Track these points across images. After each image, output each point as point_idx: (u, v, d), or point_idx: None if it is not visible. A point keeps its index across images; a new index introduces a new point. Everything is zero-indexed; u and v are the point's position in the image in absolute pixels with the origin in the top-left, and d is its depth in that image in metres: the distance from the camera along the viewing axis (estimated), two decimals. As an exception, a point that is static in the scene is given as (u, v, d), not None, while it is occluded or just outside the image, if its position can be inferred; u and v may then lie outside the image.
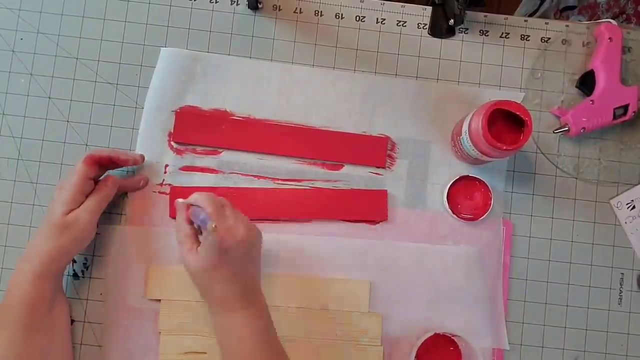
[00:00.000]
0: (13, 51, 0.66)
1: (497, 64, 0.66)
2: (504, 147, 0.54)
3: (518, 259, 0.64)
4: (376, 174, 0.65)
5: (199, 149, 0.64)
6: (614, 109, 0.63)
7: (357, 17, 0.67)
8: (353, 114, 0.65)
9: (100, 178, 0.60)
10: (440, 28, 0.66)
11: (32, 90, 0.65)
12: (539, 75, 0.66)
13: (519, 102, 0.55)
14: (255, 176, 0.64)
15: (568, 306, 0.64)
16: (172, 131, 0.64)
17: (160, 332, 0.61)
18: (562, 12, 1.05)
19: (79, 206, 0.56)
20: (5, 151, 0.65)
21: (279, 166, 0.64)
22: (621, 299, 0.64)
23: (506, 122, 0.57)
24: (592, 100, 0.63)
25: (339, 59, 0.66)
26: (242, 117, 0.65)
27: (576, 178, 0.65)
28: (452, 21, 0.64)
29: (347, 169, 0.65)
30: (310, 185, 0.64)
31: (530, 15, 1.10)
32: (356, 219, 0.64)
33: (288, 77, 0.65)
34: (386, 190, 0.64)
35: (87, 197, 0.57)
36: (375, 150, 0.64)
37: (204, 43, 0.66)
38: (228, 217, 0.52)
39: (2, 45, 0.66)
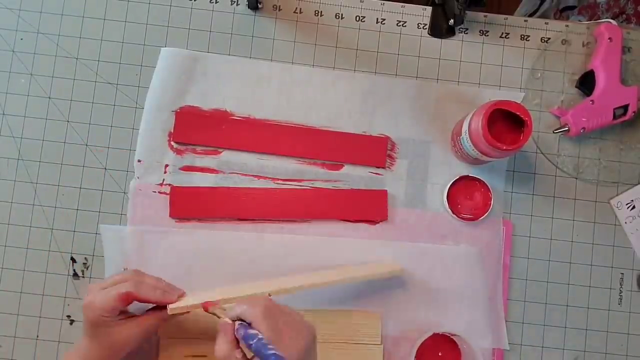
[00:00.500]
0: (13, 51, 0.66)
1: (497, 64, 0.66)
2: (504, 147, 0.54)
3: (518, 259, 0.64)
4: (376, 174, 0.65)
5: (199, 149, 0.64)
6: (614, 109, 0.63)
7: (357, 17, 0.67)
8: (353, 114, 0.65)
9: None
10: (440, 28, 0.66)
11: (32, 90, 0.65)
12: (539, 75, 0.66)
13: (519, 102, 0.55)
14: (255, 176, 0.64)
15: (568, 306, 0.64)
16: (172, 131, 0.64)
17: (159, 337, 0.61)
18: (562, 12, 1.05)
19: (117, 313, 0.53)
20: (5, 151, 0.65)
21: (279, 166, 0.64)
22: (621, 299, 0.64)
23: (506, 122, 0.57)
24: (592, 100, 0.63)
25: (339, 59, 0.66)
26: (242, 117, 0.65)
27: (576, 178, 0.65)
28: (452, 21, 0.64)
29: (347, 169, 0.65)
30: (310, 185, 0.64)
31: (530, 15, 1.10)
32: (356, 219, 0.64)
33: (288, 77, 0.65)
34: (386, 190, 0.64)
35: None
36: (375, 150, 0.64)
37: (204, 43, 0.66)
38: (282, 328, 0.46)
39: (2, 45, 0.66)
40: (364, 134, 0.65)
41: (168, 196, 0.63)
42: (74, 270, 0.63)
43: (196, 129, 0.64)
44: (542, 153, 0.65)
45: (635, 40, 0.66)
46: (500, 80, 0.66)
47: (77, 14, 0.66)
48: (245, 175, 0.64)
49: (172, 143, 0.64)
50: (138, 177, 0.64)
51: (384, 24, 0.67)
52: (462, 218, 0.63)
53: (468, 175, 0.63)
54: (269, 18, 0.66)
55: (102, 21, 0.66)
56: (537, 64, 0.66)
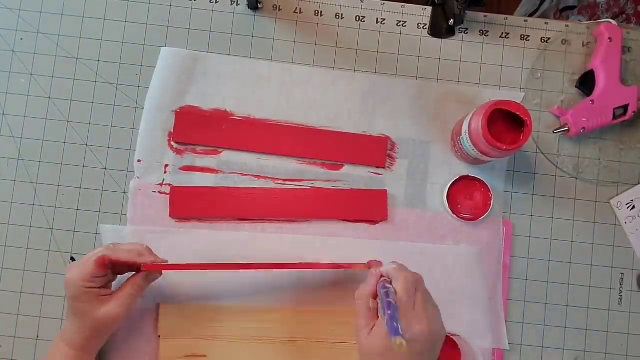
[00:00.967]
0: (13, 51, 0.66)
1: (497, 64, 0.66)
2: (504, 147, 0.54)
3: (518, 259, 0.64)
4: (376, 174, 0.65)
5: (199, 149, 0.64)
6: (614, 109, 0.63)
7: (357, 17, 0.67)
8: (353, 114, 0.65)
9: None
10: (440, 28, 0.66)
11: (32, 90, 0.65)
12: (539, 75, 0.66)
13: (519, 102, 0.55)
14: (255, 176, 0.64)
15: (568, 306, 0.64)
16: (172, 131, 0.64)
17: (160, 337, 0.61)
18: (562, 12, 1.05)
19: (98, 286, 0.54)
20: (5, 151, 0.65)
21: (279, 166, 0.64)
22: (621, 299, 0.64)
23: (506, 122, 0.57)
24: (592, 100, 0.63)
25: (339, 59, 0.66)
26: (242, 117, 0.65)
27: (576, 178, 0.65)
28: (452, 21, 0.64)
29: (347, 169, 0.65)
30: (310, 185, 0.64)
31: (530, 15, 1.10)
32: (356, 219, 0.64)
33: (288, 77, 0.65)
34: (386, 190, 0.64)
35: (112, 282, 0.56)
36: (375, 150, 0.64)
37: (204, 43, 0.66)
38: (417, 304, 0.48)
39: (2, 45, 0.66)
40: (364, 134, 0.65)
41: (168, 196, 0.63)
42: (74, 270, 0.63)
43: (196, 129, 0.64)
44: (542, 153, 0.65)
45: (635, 40, 0.66)
46: (500, 80, 0.66)
47: (77, 14, 0.66)
48: (245, 175, 0.64)
49: (172, 143, 0.64)
50: (138, 177, 0.64)
51: (384, 24, 0.67)
52: (462, 218, 0.63)
53: (468, 175, 0.63)
54: (269, 18, 0.66)
55: (102, 21, 0.66)
56: (537, 64, 0.66)
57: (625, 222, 0.65)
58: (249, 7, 0.66)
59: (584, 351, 0.63)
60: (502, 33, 0.67)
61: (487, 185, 0.63)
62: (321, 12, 0.67)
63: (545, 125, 0.65)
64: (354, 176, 0.64)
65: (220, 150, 0.64)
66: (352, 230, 0.64)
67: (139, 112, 0.65)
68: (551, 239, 0.64)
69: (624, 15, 0.91)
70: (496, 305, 0.63)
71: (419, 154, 0.65)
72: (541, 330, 0.63)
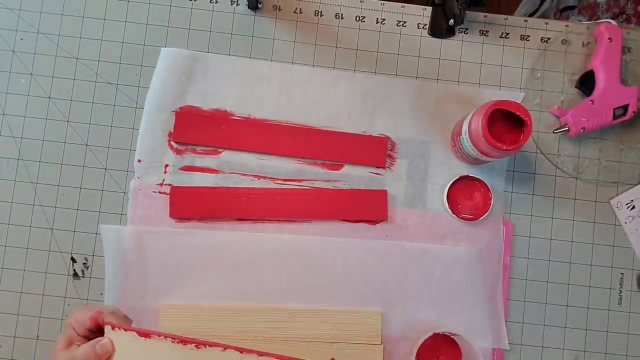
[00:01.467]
0: (13, 51, 0.66)
1: (497, 64, 0.66)
2: (504, 147, 0.54)
3: (518, 259, 0.64)
4: (376, 174, 0.65)
5: (199, 149, 0.64)
6: (614, 109, 0.63)
7: (357, 17, 0.67)
8: (353, 114, 0.65)
9: None
10: (440, 28, 0.66)
11: (32, 90, 0.65)
12: (539, 75, 0.66)
13: (519, 102, 0.55)
14: (255, 176, 0.64)
15: (568, 306, 0.64)
16: (172, 131, 0.64)
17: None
18: (562, 12, 1.05)
19: None
20: (5, 151, 0.65)
21: (279, 166, 0.64)
22: (621, 299, 0.64)
23: (506, 122, 0.56)
24: (592, 101, 0.63)
25: (339, 59, 0.66)
26: (242, 117, 0.65)
27: (576, 178, 0.65)
28: (452, 21, 0.64)
29: (347, 169, 0.65)
30: (310, 185, 0.64)
31: (530, 15, 1.10)
32: (356, 219, 0.64)
33: (288, 77, 0.65)
34: (386, 190, 0.64)
35: None
36: (375, 150, 0.64)
37: (204, 43, 0.66)
38: None
39: (2, 45, 0.66)
40: (364, 134, 0.65)
41: (168, 196, 0.63)
42: (74, 270, 0.63)
43: (196, 129, 0.64)
44: (542, 153, 0.65)
45: (635, 40, 0.66)
46: (500, 80, 0.66)
47: (77, 14, 0.66)
48: (245, 175, 0.64)
49: (172, 143, 0.64)
50: (138, 177, 0.64)
51: (384, 24, 0.67)
52: (462, 218, 0.63)
53: (468, 175, 0.63)
54: (269, 18, 0.66)
55: (102, 21, 0.66)
56: (537, 64, 0.66)
57: (625, 222, 0.65)
58: (249, 7, 0.66)
59: (584, 351, 0.63)
60: (502, 33, 0.67)
61: (487, 185, 0.63)
62: (321, 12, 0.67)
63: (545, 125, 0.65)
64: (354, 176, 0.64)
65: (220, 150, 0.64)
66: (352, 230, 0.64)
67: (139, 112, 0.65)
68: (551, 239, 0.64)
69: (624, 15, 0.91)
70: (496, 305, 0.63)
71: (419, 154, 0.65)
72: (541, 330, 0.63)
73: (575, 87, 0.65)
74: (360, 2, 0.67)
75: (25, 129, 0.65)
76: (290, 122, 0.65)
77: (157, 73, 0.65)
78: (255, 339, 0.61)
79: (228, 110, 0.65)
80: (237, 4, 0.66)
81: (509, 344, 0.63)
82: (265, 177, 0.64)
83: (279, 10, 0.66)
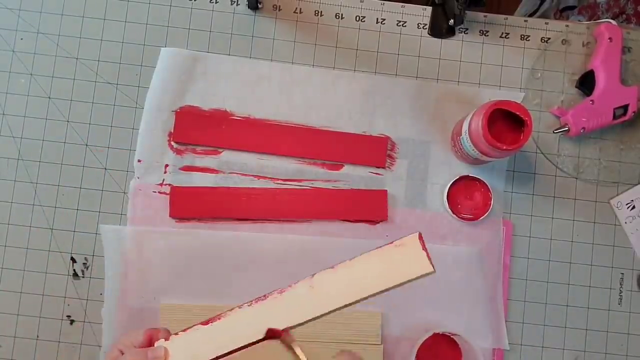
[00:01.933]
0: (13, 51, 0.66)
1: (497, 64, 0.66)
2: (504, 147, 0.54)
3: (518, 259, 0.64)
4: (376, 174, 0.65)
5: (199, 149, 0.64)
6: (614, 109, 0.63)
7: (357, 17, 0.67)
8: (353, 114, 0.65)
9: None
10: (440, 28, 0.66)
11: (32, 90, 0.65)
12: (539, 75, 0.66)
13: (519, 102, 0.55)
14: (255, 176, 0.64)
15: (568, 306, 0.64)
16: (172, 131, 0.64)
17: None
18: (562, 12, 1.05)
19: None
20: (5, 151, 0.65)
21: (279, 166, 0.64)
22: (621, 299, 0.64)
23: (506, 122, 0.56)
24: (592, 100, 0.63)
25: (339, 59, 0.66)
26: (242, 117, 0.65)
27: (576, 178, 0.65)
28: (452, 21, 0.64)
29: (347, 169, 0.65)
30: (310, 185, 0.64)
31: (530, 15, 1.10)
32: (356, 219, 0.64)
33: (288, 77, 0.65)
34: (386, 190, 0.64)
35: None
36: (375, 150, 0.64)
37: (204, 43, 0.66)
38: None
39: (2, 45, 0.66)
40: (364, 134, 0.65)
41: (168, 196, 0.63)
42: (74, 270, 0.63)
43: (196, 129, 0.64)
44: (542, 153, 0.65)
45: (635, 40, 0.66)
46: (500, 80, 0.66)
47: (77, 14, 0.66)
48: (245, 175, 0.64)
49: (172, 143, 0.64)
50: (138, 177, 0.64)
51: (384, 24, 0.67)
52: (462, 218, 0.63)
53: (468, 175, 0.63)
54: (269, 18, 0.66)
55: (102, 21, 0.66)
56: (537, 64, 0.66)
57: (625, 222, 0.65)
58: (249, 7, 0.66)
59: (584, 351, 0.63)
60: (502, 33, 0.67)
61: (487, 185, 0.63)
62: (321, 12, 0.67)
63: (545, 125, 0.65)
64: (354, 176, 0.64)
65: (220, 150, 0.64)
66: (352, 230, 0.64)
67: (139, 112, 0.65)
68: (551, 239, 0.64)
69: (624, 15, 0.91)
70: (496, 305, 0.63)
71: (419, 154, 0.65)
72: (541, 330, 0.63)
73: (575, 87, 0.65)
74: (360, 2, 0.67)
75: (25, 129, 0.65)
76: (290, 122, 0.65)
77: (157, 73, 0.65)
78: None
79: (228, 110, 0.65)
80: (237, 4, 0.66)
81: (509, 344, 0.63)
82: (265, 177, 0.64)
83: (279, 10, 0.66)
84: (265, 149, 0.64)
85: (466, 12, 0.64)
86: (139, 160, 0.64)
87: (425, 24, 0.67)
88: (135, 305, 0.62)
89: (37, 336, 0.63)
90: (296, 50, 0.66)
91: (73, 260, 0.64)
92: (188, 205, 0.63)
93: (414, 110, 0.65)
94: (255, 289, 0.62)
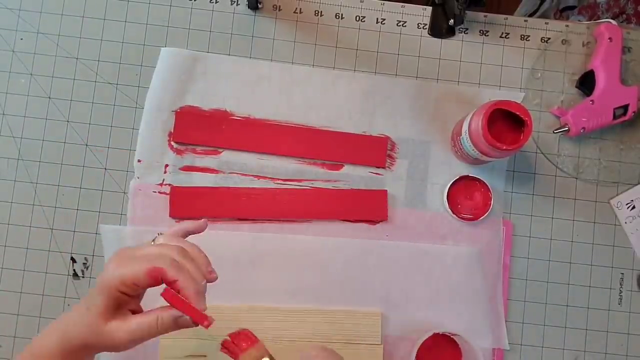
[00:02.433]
0: (13, 51, 0.66)
1: (497, 64, 0.66)
2: (504, 147, 0.54)
3: (518, 259, 0.64)
4: (376, 174, 0.65)
5: (199, 149, 0.64)
6: (614, 109, 0.63)
7: (357, 17, 0.67)
8: (353, 114, 0.65)
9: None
10: (440, 28, 0.66)
11: (32, 90, 0.65)
12: (539, 75, 0.66)
13: (519, 102, 0.55)
14: (255, 176, 0.64)
15: (568, 306, 0.64)
16: (172, 131, 0.64)
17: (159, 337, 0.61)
18: (562, 12, 1.05)
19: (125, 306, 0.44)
20: (5, 151, 0.65)
21: (279, 166, 0.64)
22: (621, 299, 0.64)
23: (506, 122, 0.57)
24: (592, 100, 0.63)
25: (339, 59, 0.66)
26: (242, 117, 0.65)
27: (576, 178, 0.65)
28: (452, 21, 0.64)
29: (347, 169, 0.65)
30: (310, 186, 0.64)
31: (530, 15, 1.10)
32: (356, 219, 0.64)
33: (288, 77, 0.65)
34: (386, 190, 0.64)
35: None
36: (375, 150, 0.64)
37: (204, 43, 0.66)
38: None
39: (2, 45, 0.66)
40: (364, 134, 0.65)
41: (168, 196, 0.63)
42: (74, 270, 0.63)
43: (196, 129, 0.64)
44: (542, 153, 0.65)
45: (635, 40, 0.66)
46: (500, 80, 0.66)
47: (77, 14, 0.66)
48: (245, 175, 0.64)
49: (172, 143, 0.64)
50: (138, 177, 0.64)
51: (384, 24, 0.67)
52: (462, 218, 0.63)
53: (468, 175, 0.63)
54: (269, 18, 0.66)
55: (102, 21, 0.66)
56: (537, 64, 0.66)
57: (625, 222, 0.65)
58: (249, 7, 0.66)
59: (584, 351, 0.63)
60: (502, 33, 0.67)
61: (487, 185, 0.63)
62: (321, 12, 0.67)
63: (545, 125, 0.65)
64: (354, 176, 0.64)
65: (220, 150, 0.64)
66: (352, 230, 0.64)
67: (139, 112, 0.65)
68: (551, 239, 0.64)
69: (624, 15, 0.91)
70: (496, 305, 0.63)
71: (419, 154, 0.65)
72: (541, 330, 0.63)
73: (575, 87, 0.65)
74: (360, 2, 0.67)
75: (25, 129, 0.65)
76: (290, 122, 0.65)
77: (157, 73, 0.65)
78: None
79: (228, 110, 0.65)
80: (237, 4, 0.66)
81: (509, 344, 0.63)
82: (265, 177, 0.64)
83: (279, 10, 0.66)
84: (265, 149, 0.64)
85: (466, 12, 0.64)
86: (139, 160, 0.64)
87: (425, 24, 0.67)
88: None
89: (37, 336, 0.63)
90: (296, 50, 0.66)
91: (73, 260, 0.64)
92: (188, 205, 0.63)
93: (414, 110, 0.65)
94: (254, 289, 0.63)
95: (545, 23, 0.67)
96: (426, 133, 0.65)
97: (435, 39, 0.66)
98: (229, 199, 0.63)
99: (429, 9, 0.67)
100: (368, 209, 0.64)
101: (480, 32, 0.67)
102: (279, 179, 0.64)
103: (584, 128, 0.63)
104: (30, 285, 0.63)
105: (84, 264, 0.63)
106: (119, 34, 0.66)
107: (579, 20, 0.97)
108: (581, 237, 0.65)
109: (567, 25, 0.67)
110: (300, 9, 0.67)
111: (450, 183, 0.63)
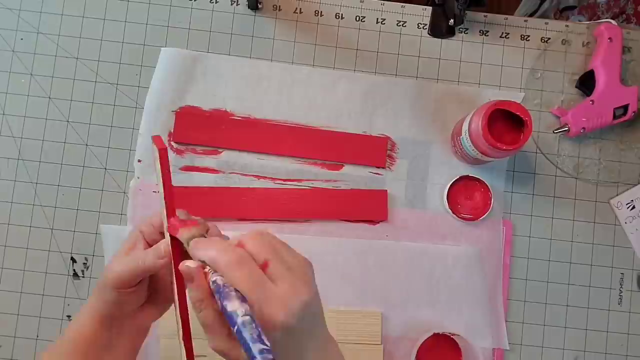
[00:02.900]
0: (13, 51, 0.66)
1: (497, 64, 0.66)
2: (504, 147, 0.54)
3: (518, 259, 0.64)
4: (376, 174, 0.65)
5: (199, 149, 0.64)
6: (614, 109, 0.63)
7: (357, 17, 0.67)
8: (353, 114, 0.65)
9: None
10: (440, 28, 0.66)
11: (32, 90, 0.65)
12: (539, 75, 0.66)
13: (519, 102, 0.55)
14: (255, 176, 0.64)
15: (568, 306, 0.64)
16: (172, 131, 0.64)
17: (160, 336, 0.61)
18: (562, 12, 1.05)
19: None
20: (5, 151, 0.65)
21: (279, 166, 0.64)
22: (621, 299, 0.64)
23: (506, 122, 0.57)
24: (592, 100, 0.63)
25: (339, 59, 0.66)
26: (242, 117, 0.65)
27: (576, 178, 0.65)
28: (452, 21, 0.64)
29: (347, 169, 0.65)
30: (310, 185, 0.64)
31: (530, 15, 1.10)
32: (356, 219, 0.64)
33: (288, 77, 0.65)
34: (386, 190, 0.64)
35: None
36: (375, 150, 0.64)
37: (204, 43, 0.66)
38: (275, 281, 0.36)
39: (2, 45, 0.66)
40: (364, 134, 0.65)
41: (168, 196, 0.63)
42: (74, 270, 0.63)
43: (196, 129, 0.64)
44: (542, 153, 0.65)
45: (635, 40, 0.66)
46: (500, 80, 0.66)
47: (77, 14, 0.66)
48: (246, 175, 0.64)
49: (172, 143, 0.64)
50: (138, 177, 0.64)
51: (384, 24, 0.67)
52: (462, 218, 0.63)
53: (468, 175, 0.63)
54: (269, 18, 0.66)
55: (102, 21, 0.66)
56: (537, 64, 0.66)
57: (625, 222, 0.65)
58: (249, 7, 0.66)
59: (584, 351, 0.63)
60: (502, 33, 0.67)
61: (487, 185, 0.63)
62: (321, 12, 0.67)
63: (545, 125, 0.65)
64: (354, 176, 0.64)
65: (220, 150, 0.64)
66: (352, 230, 0.64)
67: (139, 112, 0.65)
68: (551, 239, 0.64)
69: (624, 15, 0.91)
70: (496, 305, 0.63)
71: (419, 154, 0.65)
72: (541, 330, 0.63)
73: (575, 87, 0.65)
74: (360, 2, 0.67)
75: (25, 129, 0.65)
76: (290, 122, 0.65)
77: (157, 73, 0.65)
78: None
79: (228, 110, 0.65)
80: (237, 4, 0.66)
81: (509, 344, 0.63)
82: (265, 177, 0.64)
83: (279, 10, 0.66)
84: (265, 149, 0.64)
85: (466, 12, 0.64)
86: (139, 160, 0.64)
87: (425, 24, 0.67)
88: (135, 305, 0.62)
89: (37, 336, 0.63)
90: (296, 50, 0.66)
91: (73, 260, 0.64)
92: (188, 205, 0.63)
93: (414, 110, 0.65)
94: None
95: (545, 23, 0.67)
96: (426, 133, 0.65)
97: (435, 39, 0.66)
98: (229, 199, 0.63)
99: (429, 9, 0.67)
100: (368, 209, 0.64)
101: (480, 32, 0.67)
102: (279, 179, 0.64)
103: (584, 128, 0.63)
104: (30, 285, 0.63)
105: (84, 264, 0.63)
106: (119, 34, 0.66)
107: (579, 20, 0.97)
108: (581, 237, 0.65)
109: (567, 25, 0.67)
110: (300, 9, 0.67)
111: (450, 183, 0.63)
